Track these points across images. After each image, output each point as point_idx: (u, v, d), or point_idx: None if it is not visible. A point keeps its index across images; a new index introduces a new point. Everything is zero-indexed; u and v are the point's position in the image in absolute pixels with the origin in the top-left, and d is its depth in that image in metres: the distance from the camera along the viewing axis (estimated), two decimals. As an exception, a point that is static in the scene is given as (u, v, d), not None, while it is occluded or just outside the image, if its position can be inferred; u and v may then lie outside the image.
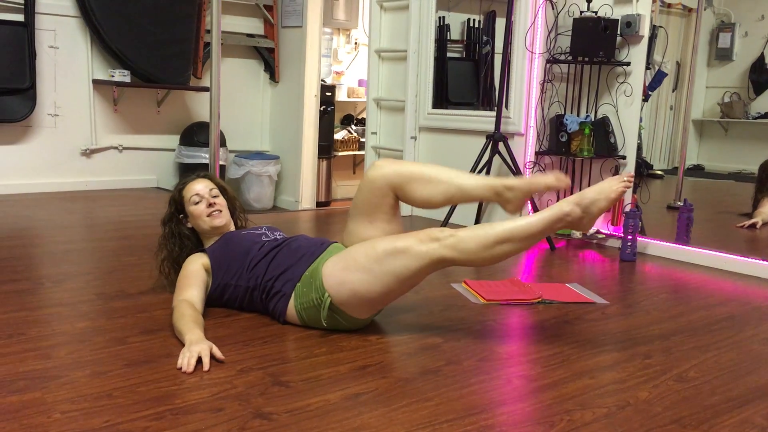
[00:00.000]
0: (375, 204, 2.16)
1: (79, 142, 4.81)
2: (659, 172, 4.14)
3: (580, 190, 3.83)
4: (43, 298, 2.40)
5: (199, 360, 1.81)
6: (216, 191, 2.46)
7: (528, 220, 2.02)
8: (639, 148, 3.69)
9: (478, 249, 1.99)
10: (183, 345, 1.88)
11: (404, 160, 2.31)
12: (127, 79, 4.71)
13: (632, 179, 2.08)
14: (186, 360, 1.79)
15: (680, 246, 3.49)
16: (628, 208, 3.53)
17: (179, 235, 2.43)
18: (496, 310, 2.48)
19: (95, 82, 4.78)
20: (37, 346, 1.92)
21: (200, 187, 2.43)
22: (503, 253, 2.01)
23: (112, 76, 4.70)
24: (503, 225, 2.02)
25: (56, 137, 4.71)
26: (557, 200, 2.22)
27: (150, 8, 4.73)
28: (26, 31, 4.41)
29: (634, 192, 3.65)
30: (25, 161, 4.61)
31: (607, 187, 2.04)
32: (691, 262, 3.40)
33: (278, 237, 2.38)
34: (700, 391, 1.83)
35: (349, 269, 2.03)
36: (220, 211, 2.41)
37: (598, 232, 3.73)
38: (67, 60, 4.68)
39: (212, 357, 1.83)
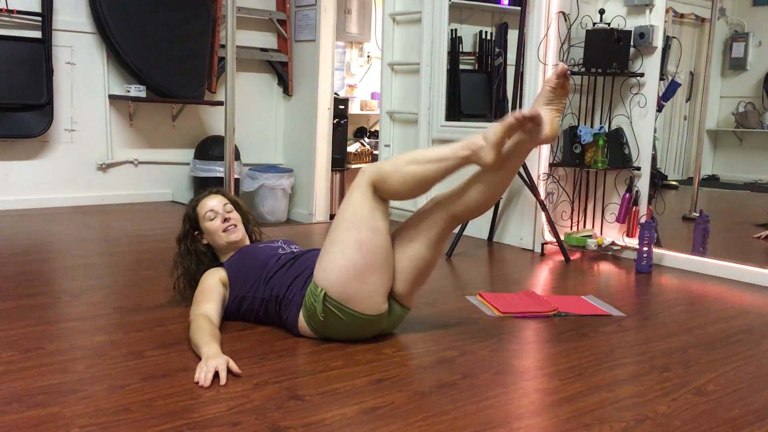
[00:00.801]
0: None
1: (96, 157, 4.85)
2: (674, 183, 4.12)
3: (586, 199, 3.83)
4: (60, 313, 2.42)
5: (216, 374, 1.81)
6: (230, 206, 2.47)
7: (438, 147, 2.15)
8: (653, 158, 3.67)
9: (392, 170, 2.08)
10: (199, 359, 1.89)
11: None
12: (143, 94, 4.75)
13: (524, 117, 2.04)
14: (203, 374, 1.79)
15: (696, 257, 3.47)
16: (643, 220, 3.51)
17: (195, 252, 2.45)
18: (512, 322, 2.47)
19: (111, 97, 4.82)
20: (55, 361, 1.93)
21: (214, 203, 2.45)
22: (411, 173, 2.07)
23: (128, 91, 4.74)
24: (416, 151, 2.17)
25: (73, 152, 4.76)
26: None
27: (165, 24, 4.78)
28: (44, 47, 4.47)
29: (650, 203, 3.63)
30: (42, 176, 4.66)
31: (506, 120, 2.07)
32: (707, 274, 3.37)
33: (294, 250, 2.40)
34: (720, 404, 1.81)
35: (324, 255, 2.10)
36: (235, 226, 2.43)
37: (613, 243, 3.71)
38: (83, 76, 4.73)
39: (229, 371, 1.84)
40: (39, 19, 4.47)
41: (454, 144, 2.09)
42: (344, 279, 2.05)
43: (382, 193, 2.11)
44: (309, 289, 2.11)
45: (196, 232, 2.47)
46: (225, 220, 2.42)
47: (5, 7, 4.34)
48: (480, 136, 2.05)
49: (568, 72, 2.11)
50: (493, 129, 2.04)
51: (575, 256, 3.70)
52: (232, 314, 2.28)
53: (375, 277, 2.08)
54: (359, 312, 2.08)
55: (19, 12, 4.39)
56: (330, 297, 2.06)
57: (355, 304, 2.07)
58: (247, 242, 2.49)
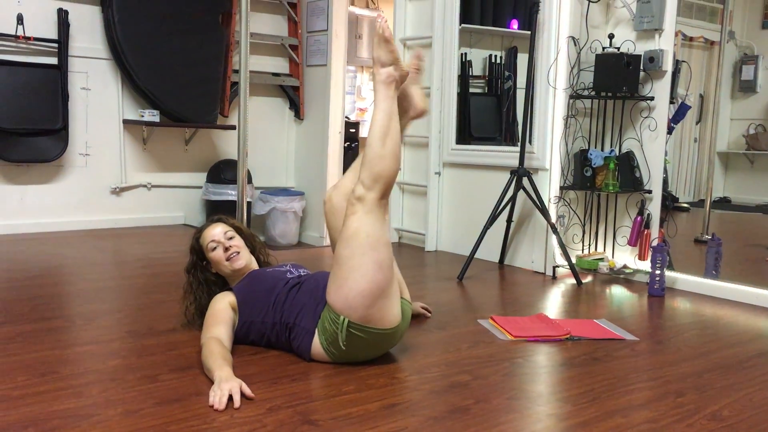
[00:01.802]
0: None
1: (109, 181, 4.90)
2: (685, 205, 4.11)
3: (597, 222, 3.83)
4: (75, 336, 2.44)
5: (230, 398, 1.82)
6: (231, 233, 2.48)
7: (372, 127, 2.16)
8: (664, 181, 3.67)
9: (382, 166, 2.10)
10: (212, 382, 1.90)
11: (342, 177, 2.47)
12: (156, 119, 4.81)
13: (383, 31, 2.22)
14: (217, 398, 1.80)
15: (709, 280, 3.45)
16: (655, 243, 3.50)
17: (206, 281, 2.47)
18: (524, 346, 2.47)
19: (125, 122, 4.88)
20: (70, 385, 1.94)
21: (215, 232, 2.46)
22: (391, 147, 2.12)
23: (142, 116, 4.80)
24: (366, 149, 2.15)
25: (87, 176, 4.81)
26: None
27: (179, 50, 4.85)
28: (60, 73, 4.54)
29: (661, 226, 3.63)
30: (56, 200, 4.70)
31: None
32: (721, 297, 3.35)
33: (302, 274, 2.41)
34: (736, 430, 1.80)
35: (342, 285, 2.07)
36: (238, 253, 2.44)
37: (625, 266, 3.70)
38: (98, 101, 4.80)
39: (242, 395, 1.84)
40: (55, 45, 4.55)
41: (380, 95, 2.19)
42: (369, 302, 2.05)
43: (388, 194, 2.14)
44: (326, 317, 2.11)
45: (204, 262, 2.49)
46: (227, 248, 2.43)
47: (23, 35, 4.42)
48: (377, 71, 2.20)
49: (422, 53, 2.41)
50: (376, 56, 2.20)
51: (587, 279, 3.69)
52: (241, 339, 2.29)
53: (393, 288, 2.12)
54: (382, 328, 2.10)
55: (36, 39, 4.47)
56: (354, 323, 2.07)
57: (377, 322, 2.08)
58: (254, 266, 2.51)
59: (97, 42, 4.74)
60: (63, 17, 4.55)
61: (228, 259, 2.42)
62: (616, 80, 3.54)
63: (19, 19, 4.41)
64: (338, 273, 2.10)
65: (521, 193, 3.80)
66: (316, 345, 2.14)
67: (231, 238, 2.46)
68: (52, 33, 4.56)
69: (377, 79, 2.20)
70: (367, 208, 2.08)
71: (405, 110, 2.35)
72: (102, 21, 4.73)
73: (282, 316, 2.22)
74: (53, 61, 4.56)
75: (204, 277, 2.47)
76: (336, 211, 2.36)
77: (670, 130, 3.68)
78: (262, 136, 5.45)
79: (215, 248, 2.43)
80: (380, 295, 2.06)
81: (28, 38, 4.44)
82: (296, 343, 2.19)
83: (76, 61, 4.66)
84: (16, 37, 4.41)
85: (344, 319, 2.06)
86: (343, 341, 2.08)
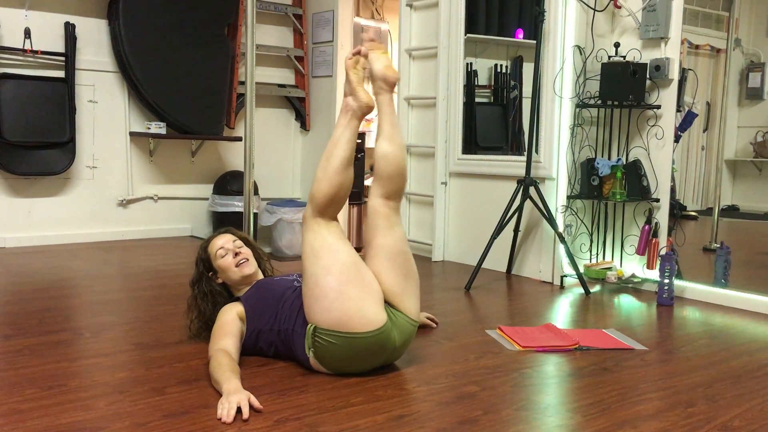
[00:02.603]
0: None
1: (116, 193, 4.91)
2: (693, 213, 4.09)
3: (605, 231, 3.81)
4: (82, 349, 2.44)
5: (238, 410, 1.81)
6: (239, 242, 2.53)
7: (334, 135, 2.24)
8: (672, 189, 3.66)
9: (318, 187, 2.17)
10: (220, 394, 1.89)
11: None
12: (163, 131, 4.82)
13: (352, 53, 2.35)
14: (225, 410, 1.79)
15: (719, 289, 3.43)
16: (663, 251, 3.49)
17: (211, 293, 2.47)
18: (533, 357, 2.46)
19: (132, 134, 4.90)
20: (78, 398, 1.94)
21: (223, 240, 2.49)
22: (334, 167, 2.17)
23: (149, 128, 4.82)
24: (324, 155, 2.22)
25: (94, 188, 4.83)
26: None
27: (185, 62, 4.87)
28: (67, 86, 4.57)
29: (669, 234, 3.61)
30: (64, 212, 4.72)
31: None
32: (730, 306, 3.33)
33: (309, 283, 2.41)
34: (747, 440, 1.78)
35: (305, 294, 2.14)
36: (247, 260, 2.47)
37: (633, 275, 3.68)
38: (105, 113, 4.82)
39: (250, 407, 1.83)
40: (62, 59, 4.57)
41: (337, 122, 2.27)
42: (326, 305, 2.07)
43: (329, 212, 2.19)
44: (306, 329, 2.14)
45: (210, 273, 2.49)
46: (236, 254, 2.45)
47: (30, 48, 4.45)
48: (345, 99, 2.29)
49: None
50: (346, 82, 2.30)
51: (595, 288, 3.67)
52: (249, 348, 2.29)
53: (354, 291, 2.08)
54: (354, 332, 2.06)
55: (43, 52, 4.50)
56: (320, 328, 2.08)
57: (345, 325, 2.06)
58: (261, 276, 2.51)
59: (104, 55, 4.77)
60: (70, 31, 4.58)
61: (237, 265, 2.43)
62: (622, 89, 3.53)
63: (27, 33, 4.45)
64: (302, 287, 2.19)
65: (528, 203, 3.79)
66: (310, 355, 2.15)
67: (240, 247, 2.49)
68: (59, 46, 4.59)
69: (343, 105, 2.30)
70: (306, 225, 2.19)
71: (375, 84, 2.35)
72: (108, 34, 4.76)
73: (284, 323, 2.23)
74: (60, 74, 4.59)
75: (209, 288, 2.48)
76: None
77: (677, 139, 3.67)
78: (268, 148, 5.46)
79: (225, 255, 2.44)
80: (335, 297, 2.06)
81: (36, 52, 4.47)
82: (296, 351, 2.20)
83: (83, 74, 4.69)
84: (24, 50, 4.44)
85: (311, 326, 2.10)
86: (309, 347, 2.11)
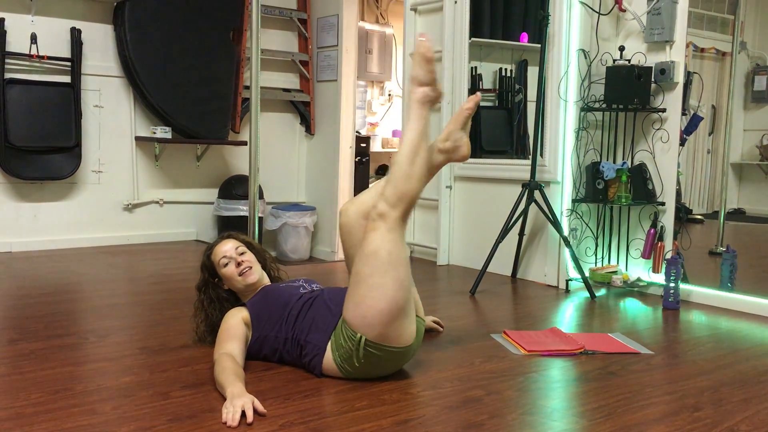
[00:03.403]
0: (359, 242, 2.20)
1: (122, 197, 4.92)
2: (699, 217, 4.08)
3: (610, 235, 3.80)
4: (88, 353, 2.44)
5: (242, 414, 1.81)
6: (242, 248, 2.48)
7: (402, 145, 2.16)
8: (678, 193, 3.65)
9: (407, 186, 2.10)
10: (224, 399, 1.89)
11: (362, 192, 2.46)
12: (168, 136, 4.84)
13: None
14: (230, 414, 1.79)
15: (725, 293, 3.42)
16: (669, 255, 3.48)
17: (217, 299, 2.46)
18: (538, 361, 2.45)
19: (138, 138, 4.92)
20: (83, 402, 1.94)
21: (226, 248, 2.46)
22: (419, 169, 2.13)
23: (154, 133, 4.83)
24: (393, 166, 2.15)
25: (100, 193, 4.84)
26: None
27: (191, 67, 4.88)
28: (72, 91, 4.58)
29: (675, 238, 3.60)
30: (69, 217, 4.73)
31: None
32: (736, 310, 3.32)
33: (315, 288, 2.40)
34: (754, 445, 1.77)
35: (361, 303, 2.06)
36: (251, 268, 2.43)
37: (638, 279, 3.67)
38: (111, 118, 4.83)
39: (254, 411, 1.83)
40: (68, 64, 4.59)
41: (410, 115, 2.20)
42: (388, 321, 2.04)
43: (409, 213, 2.13)
44: (342, 334, 2.10)
45: (216, 279, 2.49)
46: (239, 264, 2.43)
47: (36, 53, 4.47)
48: (413, 89, 2.21)
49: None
50: (414, 75, 2.23)
51: (600, 292, 3.66)
52: (254, 354, 2.29)
53: (411, 307, 2.11)
54: (398, 347, 2.09)
55: (49, 58, 4.52)
56: (371, 341, 2.06)
57: (394, 341, 2.08)
58: (267, 281, 2.50)
59: (110, 60, 4.79)
60: (76, 36, 4.60)
61: (241, 274, 2.42)
62: (627, 92, 3.53)
63: (33, 39, 4.47)
64: (357, 291, 2.08)
65: (533, 206, 3.78)
66: (329, 361, 2.14)
67: (242, 254, 2.46)
68: (65, 52, 4.60)
69: (412, 98, 2.20)
70: (389, 225, 2.07)
71: (448, 151, 2.33)
72: (114, 39, 4.77)
73: (294, 332, 2.22)
74: (66, 79, 4.60)
75: (216, 294, 2.47)
76: (350, 226, 2.33)
77: (682, 142, 3.66)
78: (273, 152, 5.47)
79: (227, 264, 2.43)
80: (399, 314, 2.05)
81: (42, 57, 4.49)
82: (307, 359, 2.18)
83: (88, 79, 4.71)
84: (30, 56, 4.46)
85: (361, 337, 2.05)
86: (359, 359, 2.07)
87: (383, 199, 2.10)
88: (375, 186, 2.41)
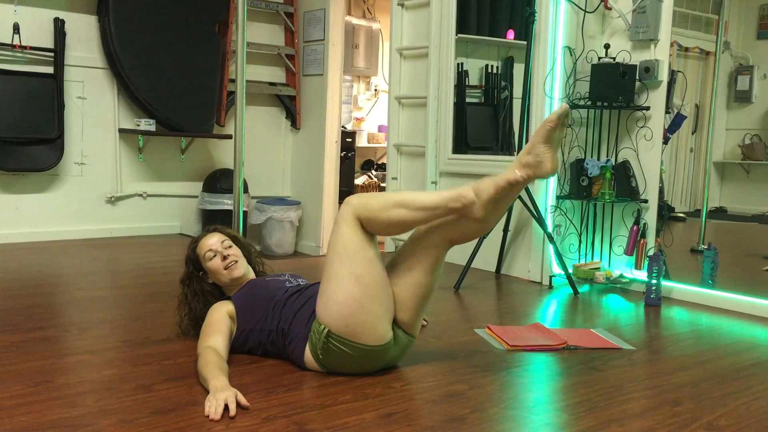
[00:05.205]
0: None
1: (105, 190, 4.89)
2: (681, 215, 4.11)
3: (593, 232, 3.83)
4: (69, 346, 2.42)
5: (226, 407, 1.81)
6: (228, 242, 2.47)
7: (427, 194, 2.13)
8: (660, 191, 3.68)
9: (379, 208, 2.08)
10: (207, 392, 1.89)
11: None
12: (153, 128, 4.80)
13: (516, 180, 2.07)
14: (213, 408, 1.79)
15: (706, 290, 3.45)
16: (651, 252, 3.51)
17: (201, 292, 2.45)
18: (521, 356, 2.46)
19: (121, 131, 4.88)
20: (64, 394, 1.93)
21: (212, 241, 2.45)
22: (399, 217, 2.08)
23: (138, 125, 4.80)
24: (404, 193, 2.16)
25: (82, 185, 4.80)
26: None
27: (176, 59, 4.85)
28: (55, 82, 4.54)
29: (658, 235, 3.63)
30: (51, 209, 4.69)
31: (501, 176, 2.09)
32: (717, 307, 3.35)
33: (301, 283, 2.40)
34: (732, 439, 1.79)
35: (323, 292, 2.09)
36: (236, 262, 2.43)
37: (621, 276, 3.70)
38: (94, 110, 4.79)
39: (237, 404, 1.83)
40: (51, 54, 4.55)
41: (444, 193, 2.09)
42: (345, 313, 2.05)
43: (365, 227, 2.10)
44: (313, 326, 2.12)
45: (201, 272, 2.48)
46: (224, 257, 2.42)
47: (19, 44, 4.42)
48: (472, 190, 2.05)
49: (570, 111, 2.13)
50: (485, 186, 2.04)
51: (583, 288, 3.68)
52: (238, 348, 2.28)
53: (375, 307, 2.08)
54: (364, 344, 2.08)
55: (32, 48, 4.47)
56: (333, 333, 2.06)
57: (359, 336, 2.07)
58: (252, 275, 2.50)
59: (94, 51, 4.74)
60: (59, 26, 4.55)
61: (226, 268, 2.41)
62: (611, 90, 3.55)
63: (15, 28, 4.42)
64: (322, 282, 2.13)
65: (517, 203, 3.80)
66: (308, 353, 2.14)
67: (228, 248, 2.45)
68: (49, 42, 4.56)
69: (462, 191, 2.06)
70: (345, 219, 2.08)
71: (529, 165, 2.07)
72: (98, 30, 4.73)
73: (279, 322, 2.22)
74: (49, 70, 4.56)
75: (200, 287, 2.46)
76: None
77: (666, 140, 3.69)
78: (258, 146, 5.45)
79: (213, 257, 2.42)
80: (356, 308, 2.04)
81: (24, 47, 4.45)
82: (291, 348, 2.19)
83: (72, 70, 4.66)
84: (12, 46, 4.41)
85: (324, 329, 2.07)
86: (320, 350, 2.08)
87: (363, 197, 2.12)
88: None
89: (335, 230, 2.12)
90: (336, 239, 2.10)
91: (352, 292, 2.04)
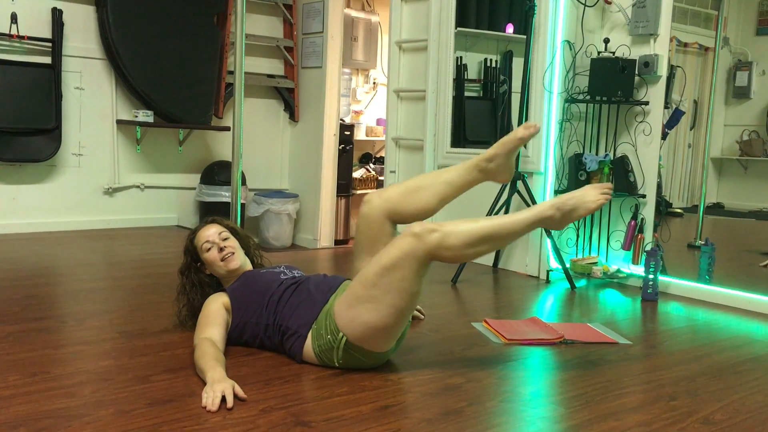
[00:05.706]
0: (374, 237, 2.24)
1: (102, 181, 4.88)
2: (679, 210, 4.12)
3: (591, 226, 3.83)
4: (66, 337, 2.42)
5: (222, 398, 1.81)
6: (226, 233, 2.47)
7: (511, 220, 2.10)
8: (658, 186, 3.68)
9: (462, 246, 2.02)
10: (205, 383, 1.89)
11: (390, 185, 2.44)
12: (150, 120, 4.79)
13: (611, 190, 2.18)
14: (210, 399, 1.79)
15: (702, 285, 3.46)
16: (649, 247, 3.51)
17: (199, 283, 2.46)
18: (518, 350, 2.47)
19: (119, 122, 4.86)
20: (61, 385, 1.93)
21: (210, 232, 2.45)
22: (485, 251, 2.11)
23: (136, 116, 4.79)
24: (487, 223, 2.09)
25: (80, 176, 4.79)
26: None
27: (174, 50, 4.84)
28: (53, 73, 4.52)
29: (655, 230, 3.63)
30: (49, 200, 4.68)
31: (589, 197, 2.13)
32: (713, 302, 3.36)
33: (296, 275, 2.40)
34: (728, 434, 1.80)
35: (354, 305, 2.05)
36: (233, 253, 2.42)
37: (618, 270, 3.70)
38: (92, 101, 4.78)
39: (234, 396, 1.83)
40: (49, 45, 4.53)
41: (527, 216, 2.11)
42: (371, 335, 2.05)
43: (445, 259, 2.04)
44: (325, 325, 2.10)
45: (199, 263, 2.48)
46: (221, 249, 2.42)
47: (17, 34, 4.40)
48: (553, 207, 2.12)
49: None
50: (561, 204, 2.12)
51: (580, 283, 3.69)
52: (235, 340, 2.29)
53: (398, 331, 2.11)
54: (378, 352, 2.11)
55: (30, 38, 4.45)
56: (351, 342, 2.07)
57: (374, 347, 2.09)
58: (249, 267, 2.49)
59: (92, 42, 4.72)
60: (57, 16, 4.53)
61: (223, 260, 2.41)
62: (611, 85, 3.55)
63: (13, 18, 4.40)
64: (357, 291, 2.05)
65: (516, 197, 3.80)
66: (308, 349, 2.14)
67: (226, 239, 2.45)
68: (46, 32, 4.54)
69: (545, 211, 2.12)
70: (420, 252, 1.97)
71: (488, 172, 2.41)
72: (96, 21, 4.71)
73: (275, 318, 2.22)
74: (47, 60, 4.54)
75: (198, 278, 2.46)
76: (370, 219, 2.29)
77: (664, 136, 3.69)
78: (256, 138, 5.44)
79: (210, 249, 2.42)
80: (384, 334, 2.07)
81: (22, 37, 4.43)
82: (288, 344, 2.18)
83: (70, 61, 4.65)
84: (10, 36, 4.39)
85: (343, 336, 2.06)
86: (339, 358, 2.09)
87: (438, 233, 1.98)
88: (405, 182, 2.38)
89: (399, 257, 1.98)
90: (397, 266, 1.98)
91: (386, 322, 2.03)
